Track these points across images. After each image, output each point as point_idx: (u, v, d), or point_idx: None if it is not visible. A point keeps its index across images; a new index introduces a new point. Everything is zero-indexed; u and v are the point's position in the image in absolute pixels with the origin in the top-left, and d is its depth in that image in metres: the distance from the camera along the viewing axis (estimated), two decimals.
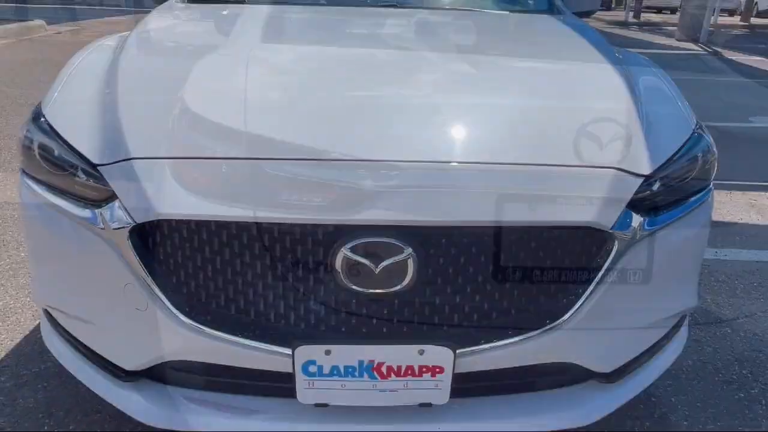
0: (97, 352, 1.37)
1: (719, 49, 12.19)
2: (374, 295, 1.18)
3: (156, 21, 2.13)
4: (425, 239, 1.16)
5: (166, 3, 2.35)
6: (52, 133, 1.35)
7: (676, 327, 1.58)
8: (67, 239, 1.31)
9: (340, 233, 1.14)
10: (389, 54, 1.89)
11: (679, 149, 1.41)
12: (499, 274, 1.21)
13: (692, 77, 8.50)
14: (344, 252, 1.13)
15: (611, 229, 1.21)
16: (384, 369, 1.21)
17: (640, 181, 1.28)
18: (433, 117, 1.41)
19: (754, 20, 22.76)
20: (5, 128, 4.39)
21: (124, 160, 1.22)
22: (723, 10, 24.51)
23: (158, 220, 1.16)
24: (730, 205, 3.47)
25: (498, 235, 1.18)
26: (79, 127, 1.33)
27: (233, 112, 1.37)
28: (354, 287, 1.16)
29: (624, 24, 18.87)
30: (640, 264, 1.29)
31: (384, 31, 2.14)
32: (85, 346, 1.39)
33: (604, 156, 1.30)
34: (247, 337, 1.20)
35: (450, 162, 1.25)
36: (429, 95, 1.54)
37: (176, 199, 1.16)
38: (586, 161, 1.28)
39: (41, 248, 1.43)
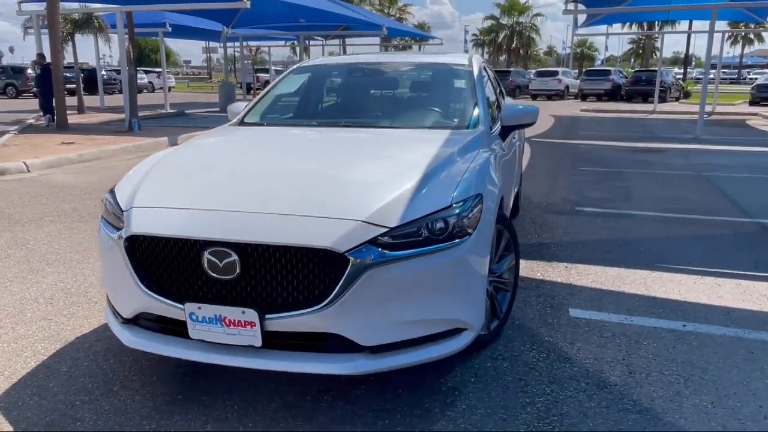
0: (116, 308, 2.64)
1: None
2: (221, 279, 2.29)
3: (203, 136, 3.60)
4: (244, 250, 2.25)
5: (223, 125, 3.84)
6: (114, 197, 2.73)
7: (448, 335, 2.42)
8: (110, 248, 2.63)
9: (205, 245, 2.29)
10: (314, 154, 3.12)
11: (427, 215, 2.35)
12: (288, 273, 2.25)
13: None
14: (206, 255, 2.28)
15: (344, 253, 2.19)
16: (227, 321, 2.30)
17: (382, 230, 2.26)
18: (280, 187, 2.56)
19: None
20: None
21: (130, 209, 2.53)
22: None
23: (132, 235, 2.42)
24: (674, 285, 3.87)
25: (282, 250, 2.23)
26: (124, 195, 2.70)
27: (182, 186, 2.68)
28: (212, 274, 2.29)
29: None
30: (379, 278, 2.24)
31: (340, 139, 3.36)
32: (112, 305, 2.68)
33: (361, 214, 2.29)
34: (168, 299, 2.38)
35: (267, 213, 2.34)
36: (296, 173, 2.72)
37: (140, 226, 2.42)
38: (346, 216, 2.29)
39: (104, 255, 2.79)
